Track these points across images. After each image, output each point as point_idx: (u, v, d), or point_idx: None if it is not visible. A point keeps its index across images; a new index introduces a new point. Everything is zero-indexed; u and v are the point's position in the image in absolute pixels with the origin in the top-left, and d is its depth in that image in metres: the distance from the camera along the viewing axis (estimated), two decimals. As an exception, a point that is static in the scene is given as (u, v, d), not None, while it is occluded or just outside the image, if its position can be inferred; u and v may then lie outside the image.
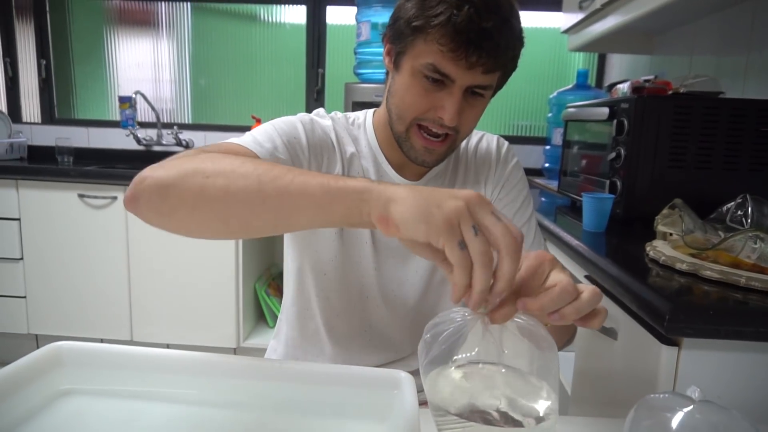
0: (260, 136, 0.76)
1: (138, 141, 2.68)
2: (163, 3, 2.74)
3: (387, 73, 0.81)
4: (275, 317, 2.42)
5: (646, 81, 1.31)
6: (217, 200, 0.52)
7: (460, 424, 0.47)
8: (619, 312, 0.87)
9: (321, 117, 0.86)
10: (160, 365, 0.62)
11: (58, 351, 0.62)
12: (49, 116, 2.82)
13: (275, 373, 0.63)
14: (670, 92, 1.28)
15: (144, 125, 2.73)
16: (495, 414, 0.47)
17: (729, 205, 1.01)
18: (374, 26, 2.27)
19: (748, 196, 0.98)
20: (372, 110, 0.90)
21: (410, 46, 0.72)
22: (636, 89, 1.29)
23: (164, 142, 2.70)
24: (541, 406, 0.48)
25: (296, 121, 0.81)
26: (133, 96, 2.56)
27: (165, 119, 2.78)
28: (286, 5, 2.72)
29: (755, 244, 0.77)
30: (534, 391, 0.50)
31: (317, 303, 0.89)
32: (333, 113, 0.89)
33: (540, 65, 2.69)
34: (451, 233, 0.43)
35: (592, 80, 2.62)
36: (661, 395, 0.52)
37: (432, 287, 0.89)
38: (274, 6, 2.72)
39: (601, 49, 2.16)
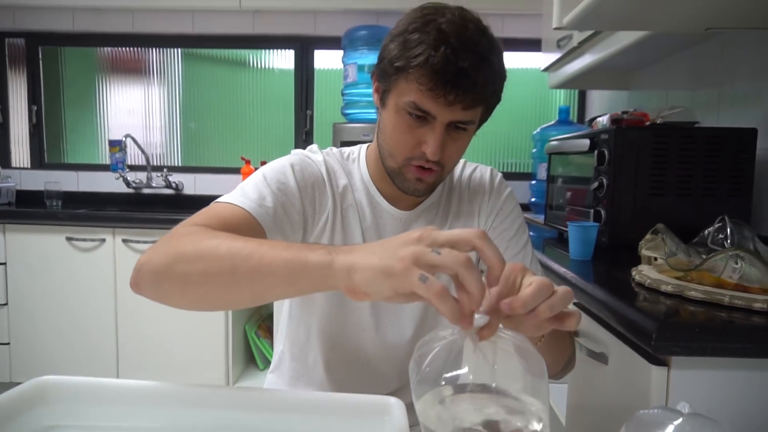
0: (248, 187, 0.78)
1: (128, 184, 2.69)
2: (154, 51, 2.81)
3: (378, 109, 0.84)
4: (265, 359, 2.37)
5: (624, 113, 1.36)
6: (199, 284, 0.60)
7: None
8: (609, 336, 0.87)
9: (313, 153, 0.88)
10: (147, 397, 0.62)
11: (43, 386, 0.61)
12: (38, 161, 2.84)
13: (263, 403, 0.62)
14: (648, 123, 1.32)
15: (134, 168, 2.75)
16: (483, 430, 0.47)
17: (710, 229, 1.03)
18: (360, 68, 2.34)
19: (726, 219, 1.00)
20: (366, 145, 0.92)
21: (394, 84, 0.76)
22: (615, 121, 1.33)
23: (154, 185, 2.72)
24: (532, 421, 0.48)
25: (286, 165, 0.83)
26: (123, 139, 2.59)
27: (155, 162, 2.80)
28: (275, 50, 2.80)
29: (736, 264, 0.78)
30: (525, 408, 0.50)
31: (315, 334, 0.88)
32: (328, 149, 0.91)
33: (523, 104, 2.77)
34: (411, 279, 0.47)
35: (573, 116, 2.70)
36: (651, 411, 0.52)
37: (428, 316, 0.89)
38: (263, 52, 2.80)
39: (580, 85, 2.24)
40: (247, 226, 0.72)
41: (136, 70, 2.83)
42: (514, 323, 0.53)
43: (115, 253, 2.16)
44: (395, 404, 0.60)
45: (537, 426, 0.48)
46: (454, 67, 0.69)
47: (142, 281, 0.63)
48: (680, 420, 0.49)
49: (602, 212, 1.30)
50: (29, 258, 2.19)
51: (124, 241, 2.15)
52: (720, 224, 1.01)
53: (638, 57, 1.81)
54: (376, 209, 0.87)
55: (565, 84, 2.13)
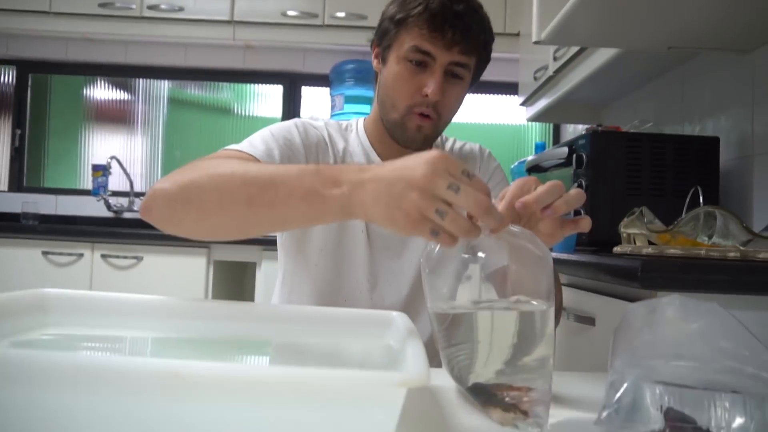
0: (256, 140, 0.82)
1: (108, 207, 2.67)
2: (140, 98, 2.87)
3: (376, 76, 0.91)
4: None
5: (598, 126, 1.46)
6: (213, 212, 0.60)
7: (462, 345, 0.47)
8: (594, 298, 0.90)
9: (313, 120, 0.94)
10: (147, 309, 0.60)
11: (42, 294, 0.61)
12: (17, 184, 2.81)
13: (267, 315, 0.62)
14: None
15: (116, 194, 2.74)
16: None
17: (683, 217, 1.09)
18: (348, 98, 2.44)
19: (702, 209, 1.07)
20: (362, 117, 0.98)
21: (395, 39, 0.84)
22: (590, 130, 1.43)
23: (135, 208, 2.70)
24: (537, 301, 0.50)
25: (290, 125, 0.88)
26: (109, 161, 2.59)
27: (138, 187, 2.80)
28: (261, 96, 2.90)
29: (714, 219, 0.84)
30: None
31: (308, 293, 0.90)
32: (326, 118, 0.97)
33: (501, 149, 2.89)
34: (421, 229, 0.46)
35: (548, 155, 2.83)
36: (643, 302, 0.55)
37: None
38: (249, 100, 2.90)
39: (554, 118, 2.38)
40: None
41: (121, 120, 2.88)
42: (531, 229, 0.55)
43: (93, 269, 2.12)
44: (397, 315, 0.61)
45: (543, 306, 0.50)
46: (450, 10, 0.78)
47: (155, 206, 0.63)
48: (676, 302, 0.52)
49: (582, 212, 1.36)
50: (3, 274, 2.13)
51: (103, 256, 2.12)
52: (694, 213, 1.08)
53: (607, 88, 1.95)
54: None
55: (541, 116, 2.26)
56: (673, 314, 0.53)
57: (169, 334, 0.59)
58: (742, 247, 0.80)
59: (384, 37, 0.85)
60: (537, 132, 2.89)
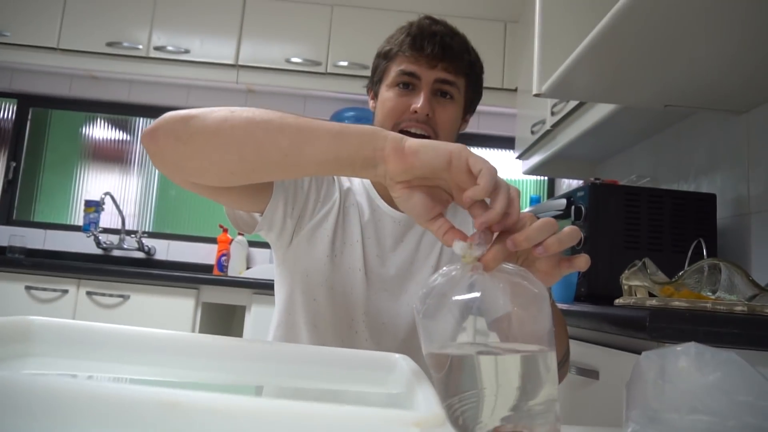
0: None
1: (98, 243, 2.63)
2: (138, 144, 2.89)
3: (372, 114, 0.92)
4: None
5: (596, 179, 1.47)
6: (238, 126, 0.56)
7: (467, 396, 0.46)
8: (597, 350, 0.88)
9: None
10: (135, 343, 0.58)
11: (26, 322, 0.58)
12: (6, 217, 2.77)
13: (265, 354, 0.59)
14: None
15: (107, 231, 2.70)
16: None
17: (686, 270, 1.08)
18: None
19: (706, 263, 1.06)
20: None
21: (384, 71, 0.88)
22: (588, 182, 1.44)
23: (126, 246, 2.66)
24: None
25: None
26: (102, 196, 2.57)
27: (129, 227, 2.77)
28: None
29: (714, 284, 0.82)
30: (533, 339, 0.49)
31: (305, 332, 0.86)
32: None
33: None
34: (466, 153, 0.49)
35: (543, 208, 2.85)
36: (658, 350, 0.53)
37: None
38: None
39: (550, 172, 2.40)
40: None
41: (117, 159, 2.89)
42: (528, 267, 0.54)
43: (77, 306, 2.06)
44: (400, 358, 0.58)
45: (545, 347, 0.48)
46: (429, 31, 0.83)
47: (165, 122, 0.59)
48: (691, 351, 0.50)
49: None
50: (-20, 307, 2.06)
51: (89, 293, 2.06)
52: (697, 266, 1.07)
53: (603, 144, 1.98)
54: (375, 212, 0.90)
55: (536, 170, 2.29)
56: (689, 364, 0.51)
57: (155, 369, 0.56)
58: (748, 302, 0.79)
59: (374, 73, 0.90)
60: (531, 186, 2.92)
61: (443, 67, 0.83)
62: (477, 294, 0.49)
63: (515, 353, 0.47)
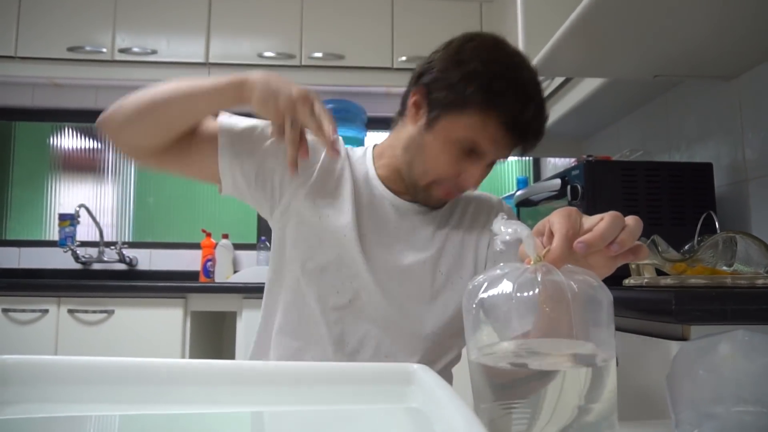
0: (237, 119, 0.86)
1: (76, 258, 2.53)
2: (111, 151, 2.78)
3: (399, 115, 0.85)
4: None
5: (589, 156, 1.43)
6: (146, 105, 0.78)
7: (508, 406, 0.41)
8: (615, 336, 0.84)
9: None
10: (120, 373, 0.52)
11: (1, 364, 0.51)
12: (-24, 238, 2.65)
13: (272, 375, 0.54)
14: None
15: (85, 244, 2.60)
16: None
17: (696, 245, 1.05)
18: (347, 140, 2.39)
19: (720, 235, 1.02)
20: (372, 144, 0.93)
21: (455, 113, 0.75)
22: (582, 160, 1.40)
23: (106, 259, 2.56)
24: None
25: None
26: (77, 209, 2.47)
27: (108, 238, 2.67)
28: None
29: (735, 246, 0.79)
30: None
31: (314, 299, 0.81)
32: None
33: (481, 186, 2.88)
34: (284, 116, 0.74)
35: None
36: (704, 337, 0.49)
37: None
38: None
39: (536, 153, 2.37)
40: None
41: (91, 168, 2.77)
42: (583, 264, 0.49)
43: (59, 326, 1.97)
44: (419, 368, 0.53)
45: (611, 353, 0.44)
46: (522, 120, 0.73)
47: (106, 116, 0.84)
48: (737, 338, 0.46)
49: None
50: (-44, 334, 1.96)
51: (70, 311, 1.97)
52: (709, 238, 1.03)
53: (590, 120, 1.95)
54: (372, 191, 0.86)
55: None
56: (732, 351, 0.47)
57: (145, 403, 0.50)
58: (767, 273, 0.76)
59: (440, 101, 0.76)
60: (516, 167, 2.89)
61: (517, 152, 0.78)
62: (540, 293, 0.44)
63: (581, 367, 0.42)
